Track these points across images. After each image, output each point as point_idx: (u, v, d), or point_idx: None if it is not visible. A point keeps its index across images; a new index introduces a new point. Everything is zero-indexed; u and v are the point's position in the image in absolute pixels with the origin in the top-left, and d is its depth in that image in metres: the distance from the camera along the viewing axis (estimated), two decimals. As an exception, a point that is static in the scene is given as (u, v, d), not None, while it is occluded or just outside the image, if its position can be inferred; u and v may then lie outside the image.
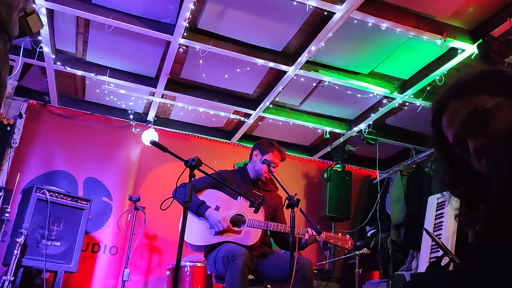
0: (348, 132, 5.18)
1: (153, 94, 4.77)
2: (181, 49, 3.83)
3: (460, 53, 3.61)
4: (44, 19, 3.52)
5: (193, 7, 3.35)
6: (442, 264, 3.09)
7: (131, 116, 5.24)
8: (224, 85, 4.65)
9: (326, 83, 4.25)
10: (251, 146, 3.60)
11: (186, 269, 3.66)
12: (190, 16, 3.45)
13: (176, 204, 2.78)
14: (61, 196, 4.14)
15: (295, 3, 3.27)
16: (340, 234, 3.28)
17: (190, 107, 4.97)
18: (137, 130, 5.25)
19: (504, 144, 0.92)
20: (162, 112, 5.36)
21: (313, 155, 5.94)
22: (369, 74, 4.25)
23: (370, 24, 3.41)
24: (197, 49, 3.86)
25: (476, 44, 3.47)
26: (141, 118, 5.32)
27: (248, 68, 4.14)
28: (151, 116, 5.24)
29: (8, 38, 0.98)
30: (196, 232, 3.20)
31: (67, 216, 4.13)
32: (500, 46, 3.32)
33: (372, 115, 4.76)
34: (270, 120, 5.12)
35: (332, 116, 5.17)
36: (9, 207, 4.20)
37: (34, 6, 2.93)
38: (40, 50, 4.02)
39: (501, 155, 0.89)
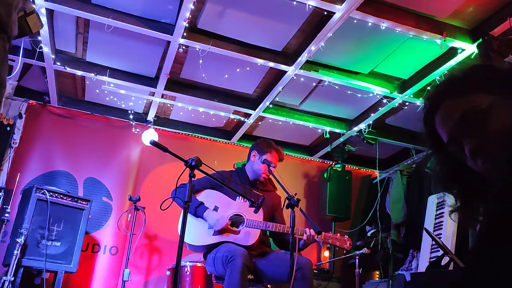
0: (348, 132, 5.18)
1: (153, 94, 4.77)
2: (181, 49, 3.83)
3: (460, 52, 3.61)
4: (43, 19, 3.52)
5: (192, 7, 3.35)
6: (442, 263, 3.09)
7: (131, 116, 5.24)
8: (224, 85, 4.65)
9: (326, 83, 4.25)
10: (251, 146, 3.60)
11: (186, 269, 3.66)
12: (190, 16, 3.45)
13: (176, 204, 2.78)
14: (61, 196, 4.14)
15: (294, 3, 3.27)
16: (339, 234, 3.29)
17: (190, 107, 4.97)
18: (137, 130, 5.25)
19: (503, 144, 0.91)
20: (162, 112, 5.36)
21: (313, 155, 5.94)
22: (369, 74, 4.25)
23: (370, 23, 3.41)
24: (197, 49, 3.86)
25: (476, 44, 3.47)
26: (141, 118, 5.32)
27: (248, 68, 4.14)
28: (151, 116, 5.24)
29: (8, 38, 0.98)
30: (195, 232, 3.20)
31: (67, 216, 4.13)
32: (500, 45, 3.32)
33: (372, 115, 4.76)
34: (270, 120, 5.12)
35: (332, 116, 5.17)
36: (9, 207, 4.21)
37: (33, 6, 2.93)
38: (40, 50, 4.02)
39: (501, 155, 0.89)
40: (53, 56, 4.16)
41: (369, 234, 5.43)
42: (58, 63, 4.28)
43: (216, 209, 3.24)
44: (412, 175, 5.35)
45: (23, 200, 4.09)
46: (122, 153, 5.19)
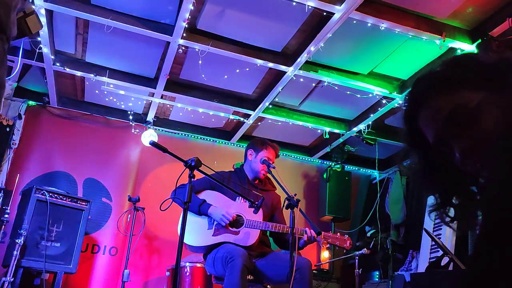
0: (348, 132, 5.18)
1: (152, 94, 4.77)
2: (180, 50, 3.83)
3: (459, 53, 3.61)
4: (43, 20, 3.52)
5: (192, 8, 3.35)
6: (442, 264, 3.09)
7: (131, 117, 5.24)
8: (224, 85, 4.65)
9: (325, 84, 4.25)
10: (246, 146, 3.61)
11: (186, 269, 3.66)
12: (190, 16, 3.45)
13: (176, 205, 2.78)
14: (61, 197, 4.14)
15: (294, 3, 3.27)
16: (339, 234, 3.29)
17: (190, 107, 4.97)
18: (137, 130, 5.25)
19: (496, 144, 0.88)
20: (162, 112, 5.36)
21: (312, 156, 5.94)
22: (369, 74, 4.25)
23: (369, 24, 3.41)
24: (197, 50, 3.87)
25: (475, 44, 3.48)
26: (141, 118, 5.32)
27: (247, 69, 4.14)
28: (150, 117, 5.24)
29: (7, 38, 0.98)
30: (195, 233, 3.20)
31: (66, 217, 4.13)
32: (499, 46, 3.32)
33: (372, 115, 4.76)
34: (270, 121, 5.12)
35: (331, 116, 5.17)
36: (9, 208, 4.20)
37: (33, 7, 2.92)
38: (40, 51, 4.01)
39: (495, 156, 0.87)
40: (52, 57, 4.16)
41: (368, 234, 5.43)
42: (58, 64, 4.28)
43: (216, 208, 3.24)
44: (412, 175, 5.34)
45: (23, 200, 4.09)
46: (122, 154, 5.19)
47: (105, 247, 4.80)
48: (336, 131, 5.20)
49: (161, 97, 4.81)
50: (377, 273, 5.14)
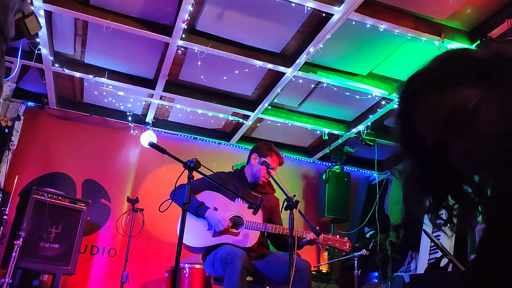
0: (347, 133, 5.18)
1: (151, 95, 4.77)
2: (179, 51, 3.83)
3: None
4: (42, 21, 3.52)
5: (191, 9, 3.35)
6: (441, 265, 3.09)
7: (130, 118, 5.24)
8: (223, 86, 4.65)
9: (324, 85, 4.25)
10: (250, 147, 3.60)
11: (185, 271, 3.66)
12: (189, 17, 3.45)
13: (175, 206, 2.77)
14: (60, 198, 4.13)
15: (293, 4, 3.27)
16: (338, 236, 3.29)
17: (189, 108, 4.96)
18: (136, 132, 5.25)
19: (497, 145, 0.86)
20: (161, 113, 5.36)
21: (311, 157, 5.94)
22: (368, 75, 4.25)
23: (368, 25, 3.41)
24: (196, 51, 3.86)
25: (474, 45, 3.48)
26: (140, 119, 5.32)
27: (246, 70, 4.13)
28: (149, 118, 5.24)
29: (4, 39, 0.97)
30: (194, 234, 3.19)
31: (65, 218, 4.12)
32: (498, 47, 3.33)
33: (371, 116, 4.76)
34: (269, 122, 5.12)
35: (330, 117, 5.17)
36: (7, 209, 4.19)
37: (32, 8, 2.92)
38: (38, 52, 4.01)
39: (496, 157, 0.85)
40: (51, 58, 4.16)
41: (368, 235, 5.43)
42: (57, 65, 4.28)
43: (215, 210, 3.23)
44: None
45: (21, 202, 4.08)
46: (121, 155, 5.19)
47: (104, 248, 4.80)
48: (335, 132, 5.20)
49: (160, 98, 4.81)
50: (376, 274, 5.14)
